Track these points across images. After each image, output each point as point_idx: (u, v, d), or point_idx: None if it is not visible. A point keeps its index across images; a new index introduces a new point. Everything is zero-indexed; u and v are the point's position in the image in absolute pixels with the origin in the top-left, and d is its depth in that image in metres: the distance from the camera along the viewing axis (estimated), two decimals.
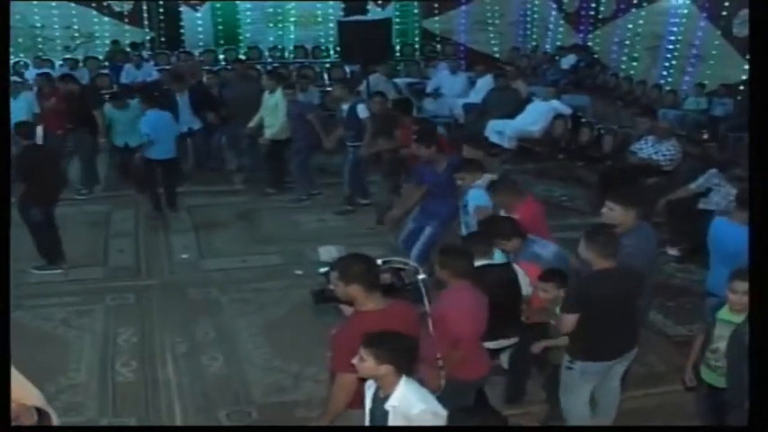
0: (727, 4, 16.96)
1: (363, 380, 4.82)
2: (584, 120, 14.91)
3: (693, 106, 16.31)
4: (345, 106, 11.99)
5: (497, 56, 23.28)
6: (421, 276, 5.65)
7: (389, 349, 4.54)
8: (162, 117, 11.88)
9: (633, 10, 19.81)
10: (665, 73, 18.70)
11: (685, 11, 18.21)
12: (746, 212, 7.18)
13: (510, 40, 23.73)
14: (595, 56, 20.92)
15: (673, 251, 10.82)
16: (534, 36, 23.62)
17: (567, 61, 20.59)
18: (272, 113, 12.51)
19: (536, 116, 14.63)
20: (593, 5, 21.32)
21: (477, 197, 8.23)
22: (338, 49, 21.20)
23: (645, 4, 19.43)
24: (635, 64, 19.79)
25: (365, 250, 10.03)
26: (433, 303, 5.66)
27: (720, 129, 15.11)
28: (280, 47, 22.08)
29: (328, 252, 8.05)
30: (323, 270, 5.95)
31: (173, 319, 9.00)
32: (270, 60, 21.47)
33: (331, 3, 22.32)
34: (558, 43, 22.45)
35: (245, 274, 10.25)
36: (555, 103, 14.84)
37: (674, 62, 18.52)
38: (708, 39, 17.42)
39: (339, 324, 5.37)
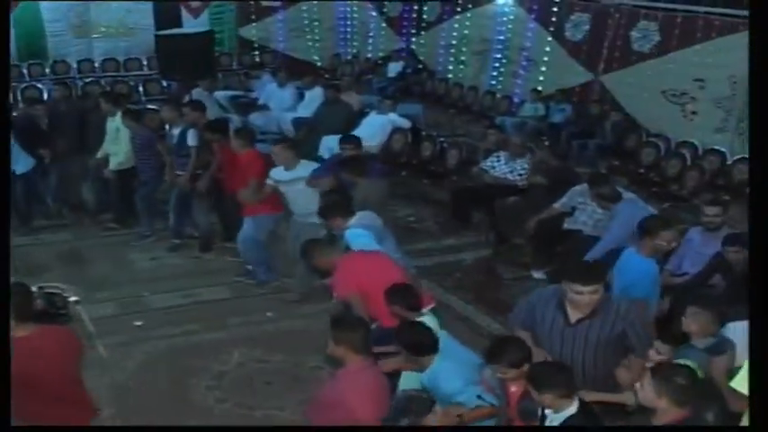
0: (557, 7, 16.58)
1: None
2: (425, 133, 14.05)
3: (531, 113, 15.81)
4: (176, 130, 10.56)
5: (319, 63, 22.28)
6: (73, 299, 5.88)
7: None
8: None
9: (459, 14, 19.24)
10: (494, 79, 18.21)
11: (513, 14, 17.77)
12: (652, 240, 6.96)
13: (330, 47, 22.79)
14: (422, 61, 20.23)
15: (538, 274, 10.07)
16: (355, 42, 22.77)
17: (394, 68, 19.85)
18: (114, 141, 10.96)
19: (373, 130, 13.61)
20: (416, 9, 20.66)
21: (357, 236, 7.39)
22: (151, 60, 19.89)
23: (470, 8, 18.89)
24: (462, 68, 19.22)
25: (208, 290, 9.51)
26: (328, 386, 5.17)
27: (562, 136, 14.63)
28: (88, 59, 20.34)
29: None
30: None
31: None
32: (79, 75, 19.74)
33: (142, 11, 20.73)
34: (382, 49, 21.72)
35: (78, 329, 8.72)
36: (392, 116, 13.92)
37: (503, 67, 18.05)
38: (539, 43, 17.01)
39: None
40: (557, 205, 9.86)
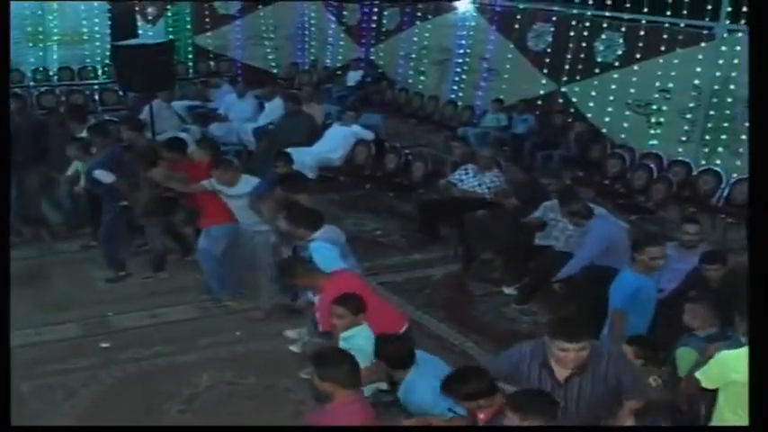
0: (519, 17, 16.51)
1: None
2: (388, 144, 13.87)
3: (494, 123, 15.69)
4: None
5: (276, 72, 22.04)
6: None
7: None
8: None
9: (418, 23, 19.10)
10: (455, 88, 18.09)
11: (473, 23, 17.66)
12: (639, 256, 6.80)
13: (287, 55, 22.58)
14: (380, 71, 20.07)
15: (509, 290, 9.94)
16: (313, 50, 22.57)
17: (353, 77, 19.64)
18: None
19: (335, 142, 13.44)
20: (375, 18, 20.49)
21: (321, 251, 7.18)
22: (107, 69, 20.07)
23: (430, 17, 18.76)
24: (423, 78, 19.07)
25: (173, 309, 9.32)
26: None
27: (526, 147, 14.54)
28: (42, 68, 19.94)
29: None
30: None
31: None
32: (33, 84, 19.35)
33: (98, 19, 20.42)
34: (340, 58, 21.54)
35: (42, 353, 8.35)
36: (356, 127, 13.72)
37: (464, 77, 17.93)
38: (500, 52, 16.92)
39: None
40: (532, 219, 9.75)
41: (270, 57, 22.44)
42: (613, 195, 12.46)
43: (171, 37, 20.22)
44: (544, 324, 8.75)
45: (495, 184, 10.83)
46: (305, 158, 12.86)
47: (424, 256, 11.05)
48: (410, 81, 19.36)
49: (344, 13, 21.50)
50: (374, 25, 20.56)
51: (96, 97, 18.18)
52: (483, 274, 10.40)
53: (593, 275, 8.30)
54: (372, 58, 20.56)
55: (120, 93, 17.38)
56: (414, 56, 19.32)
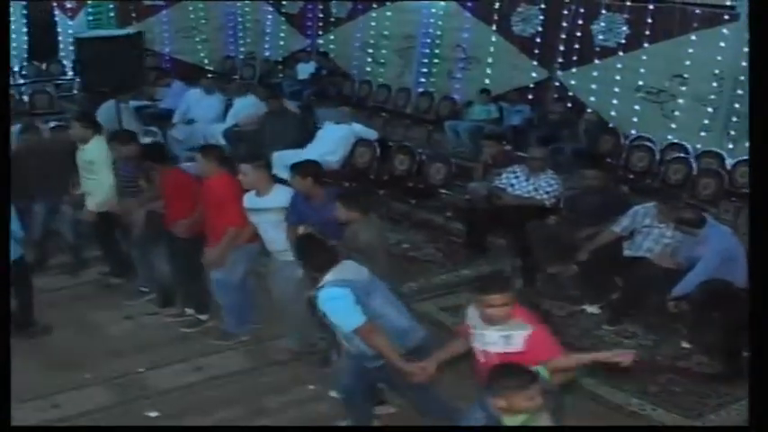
0: (498, 2, 15.30)
1: None
2: (396, 144, 12.45)
3: (484, 115, 14.40)
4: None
5: (208, 66, 20.31)
6: None
7: None
8: None
9: (374, 9, 17.67)
10: (423, 79, 16.79)
11: (442, 8, 16.36)
12: None
13: (219, 48, 20.88)
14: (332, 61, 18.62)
15: (592, 309, 8.69)
16: (248, 42, 20.91)
17: (305, 69, 18.09)
18: (86, 174, 8.77)
19: (333, 143, 11.92)
20: (322, 6, 19.01)
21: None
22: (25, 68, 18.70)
23: (389, 3, 17.37)
24: (382, 69, 17.71)
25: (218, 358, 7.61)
26: None
27: (529, 140, 13.28)
28: None
29: None
30: None
31: None
32: None
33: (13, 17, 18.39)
34: (282, 49, 20.00)
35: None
36: (357, 127, 12.27)
37: (435, 65, 16.63)
38: (479, 38, 15.68)
39: None
40: (616, 229, 8.51)
41: (200, 50, 20.72)
42: (647, 192, 11.32)
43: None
44: (650, 347, 7.76)
45: (554, 189, 9.55)
46: None
47: (473, 272, 9.62)
48: (367, 72, 17.96)
49: (283, 2, 19.97)
50: (321, 13, 19.06)
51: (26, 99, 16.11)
52: (552, 290, 9.09)
53: (713, 290, 7.43)
54: (320, 48, 19.06)
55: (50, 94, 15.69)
56: (371, 45, 17.91)
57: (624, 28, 13.61)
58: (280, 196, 7.24)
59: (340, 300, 5.52)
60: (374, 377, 5.89)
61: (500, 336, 5.00)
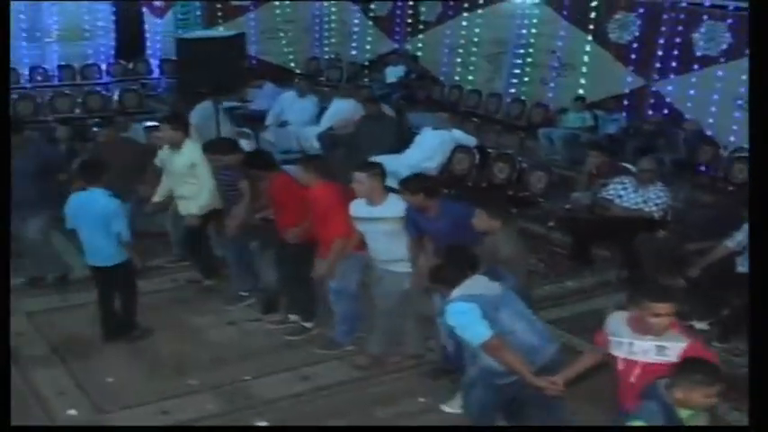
0: (594, 3, 15.11)
1: None
2: (493, 152, 12.33)
3: (579, 123, 14.22)
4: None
5: (294, 68, 20.43)
6: None
7: None
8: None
9: (465, 14, 17.58)
10: (514, 85, 16.66)
11: (536, 14, 16.22)
12: None
13: (305, 50, 21.00)
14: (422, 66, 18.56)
15: (701, 325, 8.49)
16: (333, 43, 20.99)
17: (394, 73, 18.02)
18: (185, 178, 8.69)
19: (431, 149, 11.86)
20: (411, 9, 18.97)
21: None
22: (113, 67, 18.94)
23: (481, 7, 17.27)
24: (472, 74, 17.61)
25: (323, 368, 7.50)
26: None
27: (627, 149, 13.09)
28: (41, 67, 18.30)
29: None
30: None
31: None
32: (29, 84, 17.67)
33: (101, 15, 18.76)
34: (369, 52, 20.01)
35: None
36: (457, 133, 12.18)
37: (527, 73, 16.49)
38: (574, 45, 15.50)
39: None
40: (730, 244, 8.30)
41: (286, 51, 20.85)
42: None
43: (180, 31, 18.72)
44: None
45: (663, 201, 9.38)
46: (399, 169, 11.24)
47: (577, 284, 9.52)
48: (456, 77, 17.87)
49: (371, 5, 19.98)
50: (410, 17, 19.02)
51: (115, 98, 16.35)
52: None
53: None
54: (408, 51, 19.02)
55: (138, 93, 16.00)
56: (461, 49, 17.81)
57: (727, 35, 13.31)
58: (393, 206, 7.06)
59: (466, 314, 5.48)
60: (505, 394, 5.82)
61: (654, 345, 4.90)
